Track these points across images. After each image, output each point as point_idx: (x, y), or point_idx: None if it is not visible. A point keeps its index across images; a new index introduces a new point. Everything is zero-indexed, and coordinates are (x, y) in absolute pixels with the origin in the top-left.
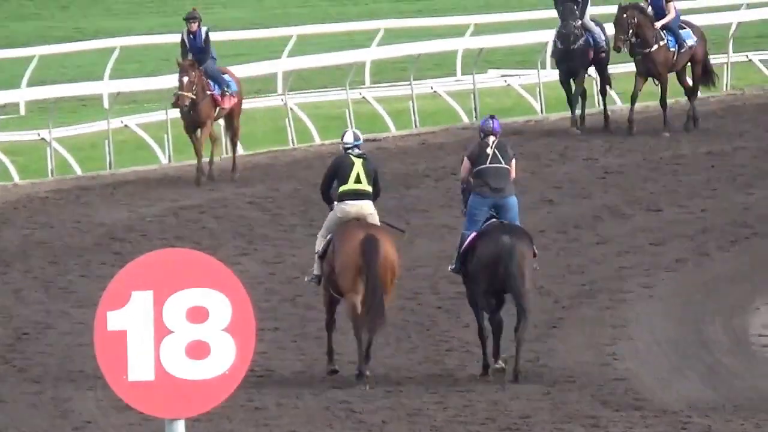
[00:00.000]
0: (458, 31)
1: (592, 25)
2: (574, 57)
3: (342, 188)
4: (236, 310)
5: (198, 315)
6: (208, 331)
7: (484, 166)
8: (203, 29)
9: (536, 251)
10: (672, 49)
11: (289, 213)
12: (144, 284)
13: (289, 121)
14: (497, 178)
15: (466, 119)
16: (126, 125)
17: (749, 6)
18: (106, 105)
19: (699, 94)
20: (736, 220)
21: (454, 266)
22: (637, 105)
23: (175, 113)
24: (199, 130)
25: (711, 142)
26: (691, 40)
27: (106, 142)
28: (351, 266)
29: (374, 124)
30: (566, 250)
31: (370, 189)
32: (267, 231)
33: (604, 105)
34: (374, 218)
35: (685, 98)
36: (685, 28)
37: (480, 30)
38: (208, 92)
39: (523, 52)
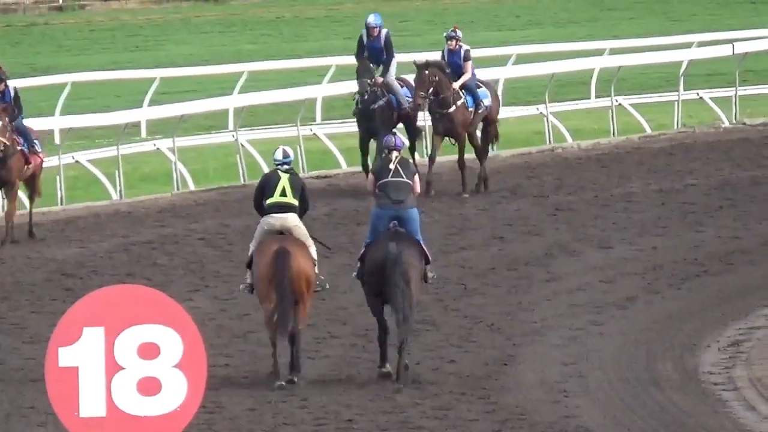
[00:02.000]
0: (410, 69)
1: (395, 85)
2: (374, 117)
3: (268, 201)
4: (187, 347)
5: (149, 351)
6: (159, 368)
7: (386, 179)
8: (11, 87)
9: (429, 258)
10: (470, 109)
11: (240, 249)
12: (95, 320)
13: (240, 157)
14: (397, 191)
15: (417, 156)
16: (77, 161)
17: (700, 44)
18: (57, 141)
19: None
20: (686, 258)
21: (356, 273)
22: (588, 142)
23: (126, 149)
24: (4, 189)
25: (661, 180)
26: (487, 99)
27: (58, 177)
28: (264, 278)
29: (325, 161)
30: (517, 287)
31: (295, 202)
32: (218, 267)
33: (413, 161)
34: (300, 230)
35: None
36: (481, 87)
37: None
38: (18, 147)
39: None
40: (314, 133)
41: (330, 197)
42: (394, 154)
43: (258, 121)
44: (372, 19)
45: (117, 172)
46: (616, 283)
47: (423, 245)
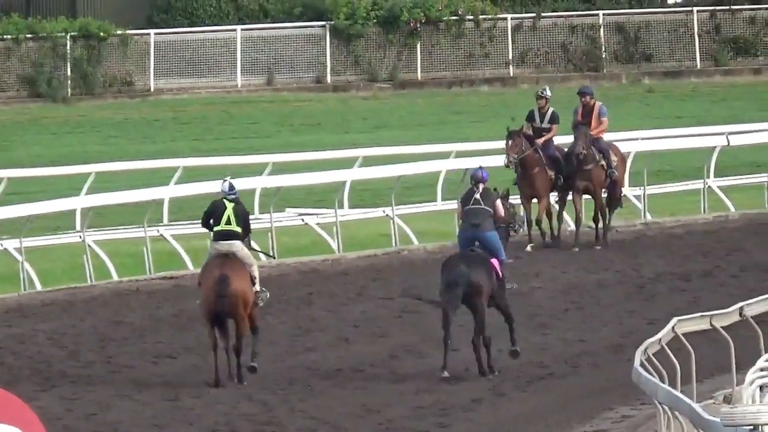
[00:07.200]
0: (257, 170)
1: None
2: None
3: (215, 229)
4: None
5: None
6: None
7: (469, 207)
8: None
9: (501, 274)
10: None
11: (87, 349)
12: None
13: (87, 258)
14: (476, 217)
15: (263, 258)
16: None
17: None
18: None
19: None
20: (532, 360)
21: None
22: (434, 245)
23: None
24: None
25: (508, 283)
26: None
27: None
28: (206, 301)
29: (172, 262)
30: (363, 388)
31: (239, 230)
32: (64, 367)
33: None
34: (243, 252)
35: None
36: None
37: (278, 169)
38: None
39: (321, 192)
40: (161, 234)
41: (177, 298)
42: (480, 185)
43: (105, 222)
44: None
45: None
46: (462, 385)
47: (498, 263)
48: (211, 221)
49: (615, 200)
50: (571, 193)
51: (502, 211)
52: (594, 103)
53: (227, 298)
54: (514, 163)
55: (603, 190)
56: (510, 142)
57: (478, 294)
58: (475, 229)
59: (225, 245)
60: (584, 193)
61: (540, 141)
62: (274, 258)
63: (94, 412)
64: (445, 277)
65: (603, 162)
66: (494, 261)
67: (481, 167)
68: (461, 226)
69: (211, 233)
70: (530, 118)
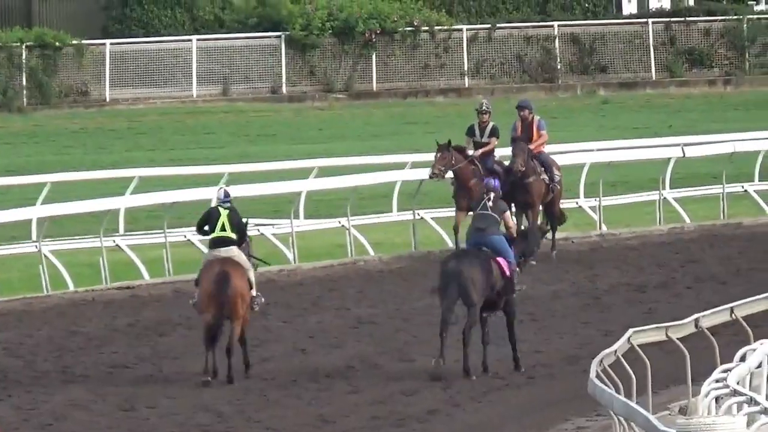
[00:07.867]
0: (212, 180)
1: None
2: None
3: (211, 236)
4: None
5: None
6: None
7: (477, 211)
8: None
9: (507, 271)
10: None
11: (43, 359)
12: None
13: (43, 268)
14: (481, 221)
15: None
16: None
17: (501, 158)
18: None
19: None
20: (488, 371)
21: None
22: (389, 255)
23: None
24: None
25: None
26: None
27: None
28: (205, 295)
29: (128, 272)
30: (318, 399)
31: (233, 236)
32: (20, 377)
33: None
34: (239, 257)
35: None
36: None
37: (234, 179)
38: None
39: (276, 202)
40: (117, 245)
41: (133, 308)
42: (492, 194)
43: (61, 231)
44: None
45: None
46: (418, 396)
47: (505, 263)
48: (206, 228)
49: (554, 217)
50: (514, 207)
51: (510, 223)
52: (532, 118)
53: (227, 296)
54: (439, 176)
55: (541, 204)
56: (438, 155)
57: (471, 287)
58: (480, 233)
59: (222, 251)
60: (525, 207)
61: (477, 153)
62: (268, 264)
63: (49, 422)
64: (440, 279)
65: (544, 176)
66: (500, 259)
67: (494, 178)
68: (468, 231)
69: (207, 240)
70: (470, 132)
